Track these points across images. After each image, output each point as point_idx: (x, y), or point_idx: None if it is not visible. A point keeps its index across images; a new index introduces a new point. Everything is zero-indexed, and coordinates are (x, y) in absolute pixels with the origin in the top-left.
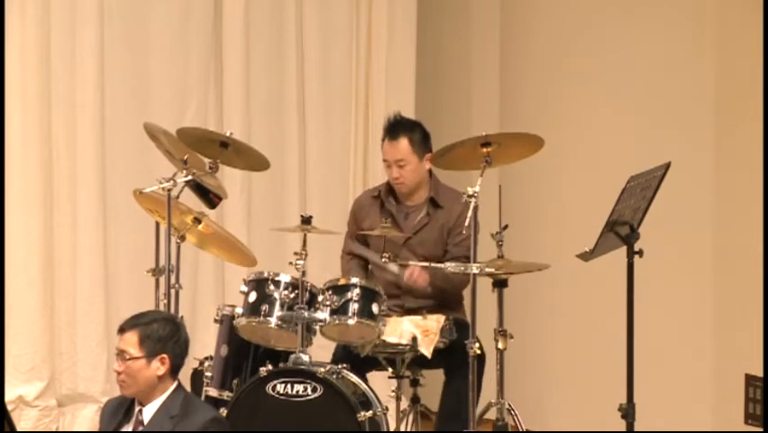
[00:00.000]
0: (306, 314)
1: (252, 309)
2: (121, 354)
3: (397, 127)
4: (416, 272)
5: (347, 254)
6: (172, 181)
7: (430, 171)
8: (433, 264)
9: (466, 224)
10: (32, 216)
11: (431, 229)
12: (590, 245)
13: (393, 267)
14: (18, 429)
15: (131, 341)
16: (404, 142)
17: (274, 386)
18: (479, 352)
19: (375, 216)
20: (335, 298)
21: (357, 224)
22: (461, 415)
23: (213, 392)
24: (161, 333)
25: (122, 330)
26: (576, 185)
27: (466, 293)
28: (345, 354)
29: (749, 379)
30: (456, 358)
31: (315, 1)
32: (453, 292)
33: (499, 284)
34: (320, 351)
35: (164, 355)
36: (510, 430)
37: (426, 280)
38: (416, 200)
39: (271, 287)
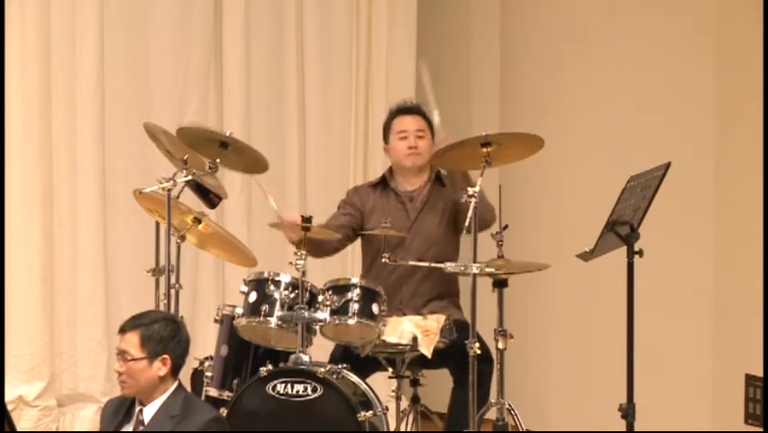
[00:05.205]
0: (306, 314)
1: (252, 309)
2: (122, 354)
3: (413, 107)
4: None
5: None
6: (172, 181)
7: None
8: (433, 264)
9: (466, 224)
10: (32, 216)
11: (434, 205)
12: (590, 245)
13: (272, 202)
14: (18, 429)
15: (132, 342)
16: (420, 118)
17: (274, 386)
18: (479, 352)
19: (378, 200)
20: (335, 298)
21: (359, 210)
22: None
23: (213, 392)
24: (163, 333)
25: (122, 330)
26: (576, 185)
27: (466, 294)
28: (344, 355)
29: (749, 379)
30: (463, 364)
31: (315, 1)
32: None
33: (499, 284)
34: (320, 351)
35: (165, 356)
36: (510, 430)
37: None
38: (417, 183)
39: (271, 287)
